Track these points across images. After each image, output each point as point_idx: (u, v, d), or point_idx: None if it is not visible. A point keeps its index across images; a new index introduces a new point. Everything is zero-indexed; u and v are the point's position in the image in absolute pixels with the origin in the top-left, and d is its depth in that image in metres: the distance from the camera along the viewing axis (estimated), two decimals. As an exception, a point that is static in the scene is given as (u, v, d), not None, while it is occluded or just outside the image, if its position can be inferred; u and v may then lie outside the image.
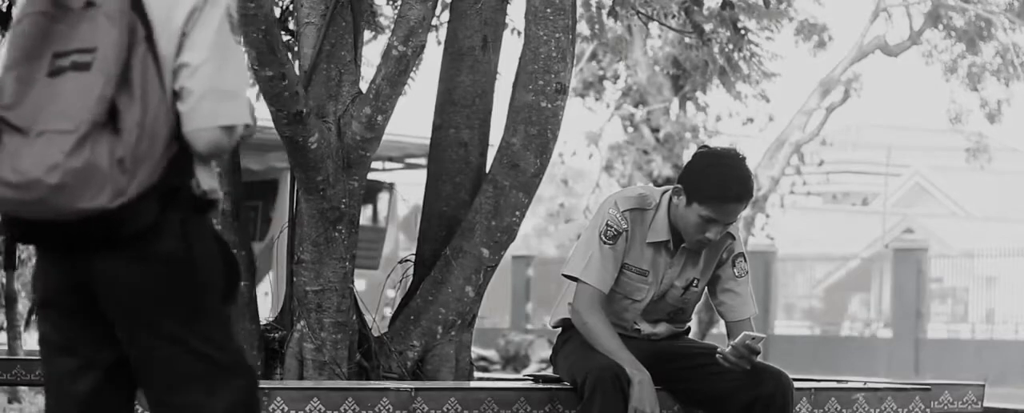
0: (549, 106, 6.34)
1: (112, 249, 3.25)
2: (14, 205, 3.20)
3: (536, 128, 6.34)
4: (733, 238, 5.50)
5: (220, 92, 3.28)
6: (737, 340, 5.26)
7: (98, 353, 3.40)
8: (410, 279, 6.56)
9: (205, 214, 3.37)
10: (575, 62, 9.58)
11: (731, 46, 18.96)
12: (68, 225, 3.20)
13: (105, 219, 3.18)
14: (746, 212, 23.62)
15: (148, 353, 3.34)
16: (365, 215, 20.92)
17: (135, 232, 3.23)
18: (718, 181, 5.27)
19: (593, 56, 23.78)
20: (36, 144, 3.16)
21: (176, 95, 3.27)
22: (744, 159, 5.36)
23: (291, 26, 7.07)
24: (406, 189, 26.05)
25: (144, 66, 3.21)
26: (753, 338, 5.23)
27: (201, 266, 3.33)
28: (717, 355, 5.30)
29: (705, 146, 5.54)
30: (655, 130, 23.92)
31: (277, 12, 7.17)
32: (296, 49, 6.38)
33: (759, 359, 5.36)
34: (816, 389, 5.77)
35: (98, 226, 3.20)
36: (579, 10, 7.60)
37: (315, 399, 5.13)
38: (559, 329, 5.65)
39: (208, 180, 3.36)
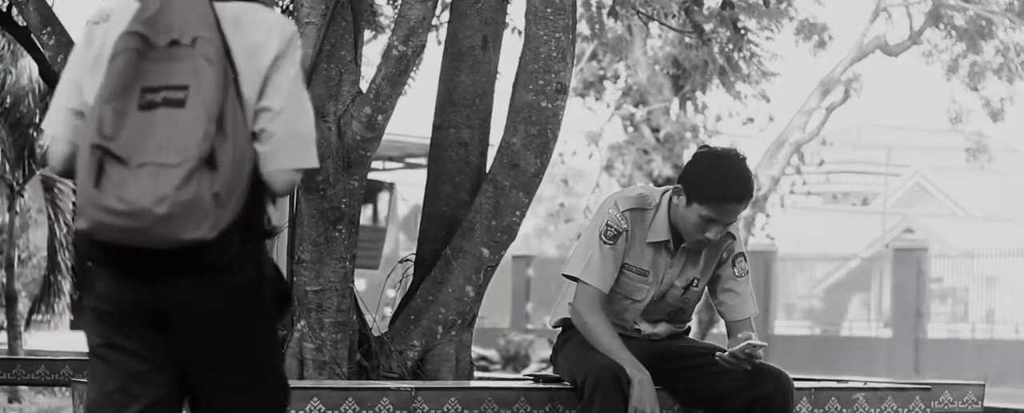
0: (549, 106, 6.34)
1: (194, 276, 3.43)
2: (118, 232, 3.35)
3: (536, 128, 6.34)
4: (733, 238, 5.50)
5: (298, 137, 3.47)
6: (738, 347, 5.25)
7: (156, 376, 3.54)
8: (410, 279, 6.56)
9: (266, 243, 3.58)
10: (575, 62, 9.58)
11: (731, 46, 18.96)
12: (156, 253, 3.37)
13: (199, 249, 3.36)
14: (746, 212, 23.57)
15: (220, 373, 3.53)
16: (365, 215, 20.93)
17: (222, 262, 3.42)
18: (718, 181, 5.27)
19: (593, 56, 23.78)
20: (140, 175, 3.33)
21: (254, 136, 3.46)
22: (744, 159, 5.36)
23: (291, 26, 7.06)
24: (406, 189, 26.05)
25: (234, 109, 3.39)
26: (754, 346, 5.23)
27: (267, 293, 3.54)
28: (716, 356, 5.30)
29: (705, 146, 5.53)
30: (655, 130, 23.92)
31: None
32: (296, 49, 6.37)
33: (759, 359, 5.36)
34: (816, 389, 5.77)
35: (190, 255, 3.38)
36: (579, 10, 7.60)
37: (315, 399, 5.13)
38: (559, 329, 5.65)
39: (276, 214, 3.59)
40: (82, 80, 3.56)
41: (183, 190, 3.30)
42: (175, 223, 3.31)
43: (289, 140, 3.46)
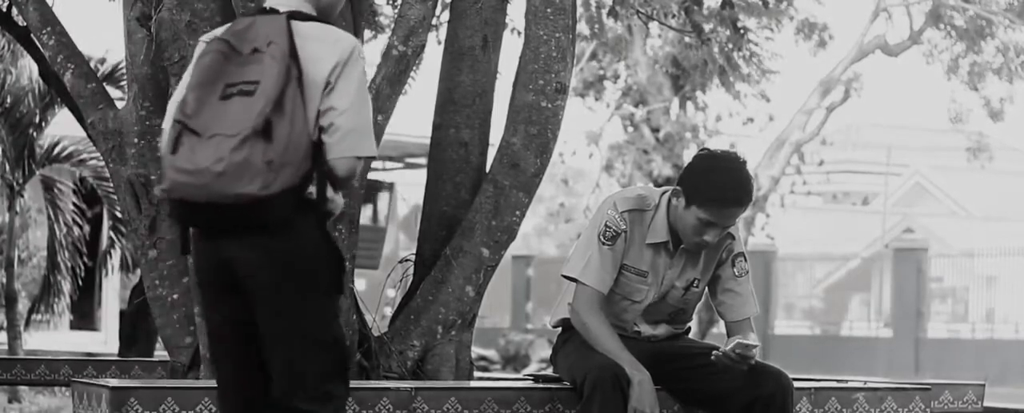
0: (549, 106, 6.34)
1: (252, 235, 4.20)
2: (187, 189, 4.16)
3: (536, 128, 6.34)
4: (733, 238, 5.50)
5: (359, 131, 4.26)
6: (729, 346, 5.26)
7: (239, 317, 4.33)
8: (410, 279, 6.55)
9: (325, 220, 4.31)
10: (575, 62, 9.58)
11: (731, 45, 18.95)
12: (222, 208, 4.15)
13: (252, 205, 4.14)
14: (746, 212, 23.60)
15: (265, 320, 4.27)
16: (365, 215, 20.93)
17: (273, 221, 4.18)
18: (717, 184, 5.26)
19: (593, 56, 23.78)
20: (209, 144, 4.15)
21: (322, 130, 4.25)
22: (744, 162, 5.35)
23: (291, 26, 7.06)
24: (406, 189, 26.05)
25: (294, 97, 4.19)
26: (745, 346, 5.23)
27: (314, 258, 4.26)
28: (712, 356, 5.30)
29: (705, 148, 5.53)
30: (655, 130, 23.92)
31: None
32: (296, 49, 6.37)
33: (759, 359, 5.36)
34: (816, 389, 5.77)
35: (246, 211, 4.16)
36: (579, 10, 7.60)
37: (315, 399, 5.12)
38: (559, 329, 5.65)
39: (333, 196, 4.31)
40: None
41: (237, 152, 4.11)
42: (229, 179, 4.11)
43: (351, 134, 4.23)
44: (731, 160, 5.34)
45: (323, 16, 4.45)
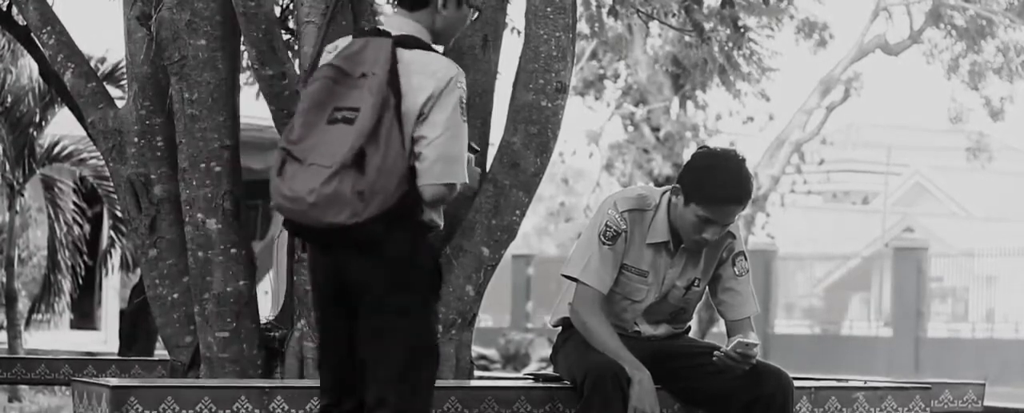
0: (549, 105, 6.34)
1: (356, 251, 4.53)
2: (288, 212, 4.52)
3: (536, 127, 6.34)
4: (733, 237, 5.49)
5: (447, 158, 4.52)
6: (730, 346, 5.26)
7: (345, 321, 4.65)
8: (410, 278, 6.54)
9: (425, 234, 4.64)
10: (575, 61, 9.58)
11: (731, 44, 18.97)
12: (318, 231, 4.51)
13: (343, 231, 4.46)
14: (746, 211, 23.62)
15: (366, 327, 4.58)
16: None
17: (366, 241, 4.50)
18: (716, 182, 5.26)
19: (593, 55, 23.78)
20: (306, 172, 4.47)
21: (416, 156, 4.51)
22: (743, 160, 5.34)
23: (291, 25, 7.08)
24: (406, 188, 25.98)
25: (390, 126, 4.46)
26: (746, 345, 5.23)
27: (414, 269, 4.57)
28: (713, 356, 5.30)
29: (705, 146, 5.52)
30: (655, 129, 23.92)
31: (277, 11, 7.17)
32: (296, 48, 6.38)
33: (759, 358, 5.35)
34: (816, 388, 5.77)
35: (339, 235, 4.48)
36: (579, 9, 7.60)
37: (315, 398, 5.12)
38: (559, 328, 5.64)
39: (430, 213, 4.60)
40: None
41: (327, 185, 4.42)
42: (321, 209, 4.44)
43: (439, 162, 4.51)
44: (730, 158, 5.33)
45: (438, 40, 4.73)
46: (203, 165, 6.39)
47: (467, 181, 4.62)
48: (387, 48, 4.53)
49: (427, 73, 4.53)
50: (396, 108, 4.47)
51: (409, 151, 4.51)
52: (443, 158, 4.51)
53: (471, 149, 4.72)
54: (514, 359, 25.20)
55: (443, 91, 4.53)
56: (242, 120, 6.54)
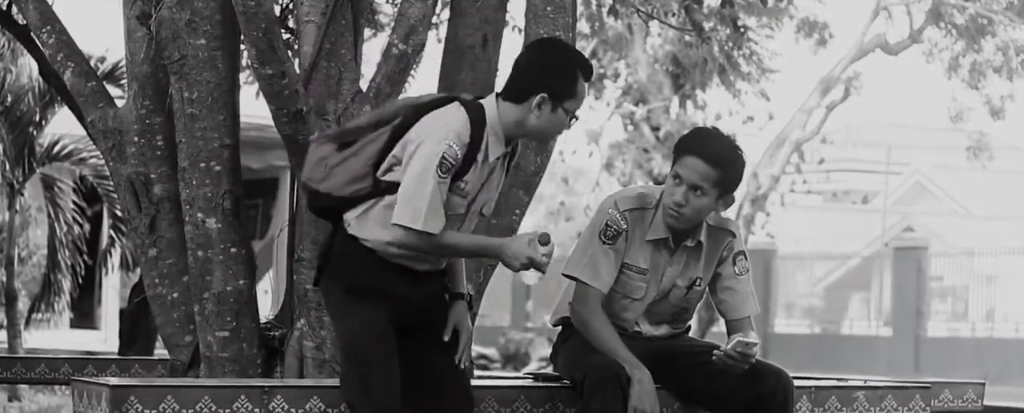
0: (549, 104, 6.32)
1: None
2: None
3: (536, 126, 6.32)
4: (733, 236, 5.49)
5: (406, 202, 4.85)
6: (730, 345, 5.26)
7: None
8: (410, 277, 6.53)
9: (366, 253, 5.00)
10: (575, 60, 9.52)
11: (731, 44, 18.97)
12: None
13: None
14: (746, 210, 23.68)
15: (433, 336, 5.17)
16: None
17: (322, 210, 5.12)
18: (688, 137, 5.38)
19: (593, 54, 23.76)
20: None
21: None
22: (729, 136, 5.39)
23: (291, 24, 7.07)
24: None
25: (373, 140, 4.97)
26: (746, 344, 5.23)
27: (326, 275, 5.08)
28: (713, 355, 5.30)
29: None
30: (655, 128, 23.92)
31: (277, 10, 7.17)
32: (296, 47, 6.38)
33: (759, 357, 5.35)
34: (816, 387, 5.77)
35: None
36: (579, 8, 7.60)
37: (315, 397, 5.13)
38: (559, 327, 5.64)
39: (389, 247, 4.97)
40: None
41: (321, 148, 5.06)
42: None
43: (400, 204, 4.87)
44: (715, 128, 5.44)
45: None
46: (203, 164, 6.38)
47: (418, 227, 4.86)
48: (425, 113, 4.97)
49: (419, 127, 4.92)
50: (394, 140, 4.96)
51: (384, 171, 4.95)
52: (403, 201, 4.86)
53: (542, 240, 4.90)
54: (514, 358, 25.20)
55: (422, 143, 4.87)
56: (242, 120, 6.54)
